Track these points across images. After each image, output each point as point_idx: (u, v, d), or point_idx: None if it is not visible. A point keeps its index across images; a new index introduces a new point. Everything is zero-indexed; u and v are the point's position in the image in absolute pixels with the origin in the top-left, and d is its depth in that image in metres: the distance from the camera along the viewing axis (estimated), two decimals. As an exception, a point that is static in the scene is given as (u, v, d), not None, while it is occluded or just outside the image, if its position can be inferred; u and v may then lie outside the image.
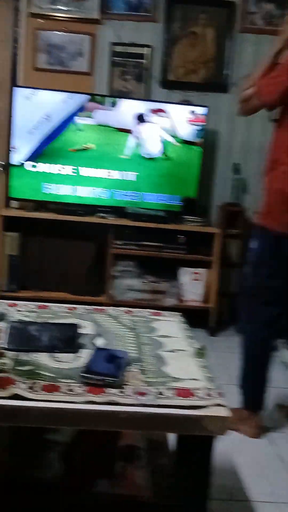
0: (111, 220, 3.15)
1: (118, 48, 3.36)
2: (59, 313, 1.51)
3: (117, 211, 3.24)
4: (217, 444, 1.08)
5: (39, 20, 3.33)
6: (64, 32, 3.34)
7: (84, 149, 3.19)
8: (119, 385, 1.06)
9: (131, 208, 3.26)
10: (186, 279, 3.25)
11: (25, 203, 3.31)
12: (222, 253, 3.23)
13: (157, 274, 3.22)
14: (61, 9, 3.32)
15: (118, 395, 1.03)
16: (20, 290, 3.18)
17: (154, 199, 3.28)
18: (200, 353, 1.29)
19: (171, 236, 3.19)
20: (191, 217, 3.26)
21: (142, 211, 3.24)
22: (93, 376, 1.07)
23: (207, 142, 3.34)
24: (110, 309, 1.61)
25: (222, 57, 3.42)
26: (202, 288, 3.26)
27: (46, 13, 3.31)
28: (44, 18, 3.32)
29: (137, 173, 3.24)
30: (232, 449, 1.91)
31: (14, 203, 3.35)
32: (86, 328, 1.40)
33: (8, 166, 3.20)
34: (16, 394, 0.99)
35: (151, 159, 3.24)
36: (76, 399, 1.00)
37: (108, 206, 3.25)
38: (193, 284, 3.26)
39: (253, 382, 2.09)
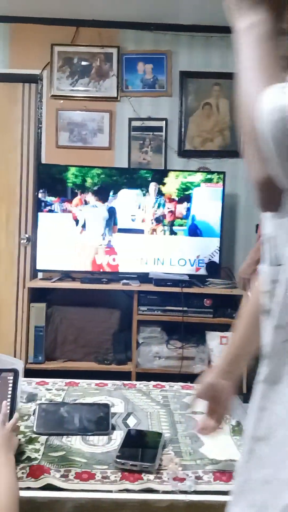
0: (135, 286, 3.15)
1: (136, 123, 3.52)
2: (89, 390, 1.49)
3: (141, 277, 3.26)
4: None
5: (60, 101, 3.53)
6: (84, 110, 3.52)
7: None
8: (155, 470, 1.02)
9: (154, 273, 3.27)
10: (214, 343, 3.19)
11: (50, 274, 3.36)
12: (248, 316, 3.18)
13: (184, 339, 3.17)
14: (81, 90, 3.52)
15: (155, 481, 0.99)
16: (46, 361, 3.16)
17: (178, 264, 3.30)
18: (236, 430, 1.24)
19: (196, 299, 3.17)
20: (216, 280, 3.25)
21: (165, 276, 3.25)
22: (127, 461, 1.03)
23: (227, 205, 3.39)
24: (140, 384, 1.57)
25: (236, 124, 3.54)
26: (230, 352, 3.19)
27: (67, 95, 3.51)
28: (65, 99, 3.52)
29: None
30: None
31: (39, 274, 3.41)
32: (117, 406, 1.37)
33: (33, 239, 3.28)
34: (49, 483, 0.96)
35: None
36: (112, 487, 0.96)
37: (132, 272, 3.28)
38: (221, 348, 3.19)
39: None
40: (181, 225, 3.30)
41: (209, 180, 3.31)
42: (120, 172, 3.31)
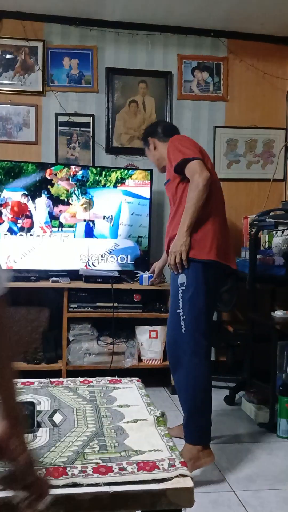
0: (65, 283, 3.13)
1: (63, 118, 3.48)
2: (14, 389, 1.46)
3: (71, 274, 3.24)
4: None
5: (-17, 93, 3.41)
6: (9, 104, 3.43)
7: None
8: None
9: (84, 270, 3.26)
10: (143, 337, 3.24)
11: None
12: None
13: (114, 335, 3.19)
14: (5, 83, 3.42)
15: (79, 475, 1.00)
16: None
17: (107, 260, 3.32)
18: (161, 421, 1.28)
19: (126, 295, 3.19)
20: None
21: (95, 272, 3.25)
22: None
23: (154, 201, 3.44)
24: (68, 381, 1.57)
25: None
26: (160, 345, 3.25)
27: (-10, 87, 3.41)
28: (-12, 92, 3.42)
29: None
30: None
31: None
32: (43, 404, 1.36)
33: None
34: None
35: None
36: (35, 485, 0.96)
37: (61, 269, 3.25)
38: (151, 342, 3.24)
39: (205, 416, 2.18)
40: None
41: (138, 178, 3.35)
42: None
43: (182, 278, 2.20)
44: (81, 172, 3.28)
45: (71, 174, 3.26)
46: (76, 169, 3.28)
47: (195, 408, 2.17)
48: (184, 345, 2.20)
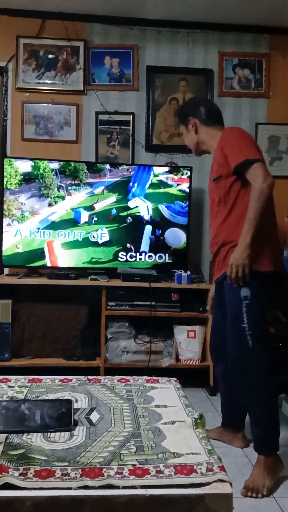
0: (103, 282, 3.14)
1: (103, 117, 3.50)
2: (52, 386, 1.47)
3: (109, 272, 3.25)
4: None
5: (26, 93, 3.46)
6: (51, 103, 3.47)
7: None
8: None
9: (122, 268, 3.26)
10: (181, 337, 3.21)
11: (17, 270, 3.31)
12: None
13: (151, 334, 3.18)
14: (47, 83, 3.47)
15: (115, 477, 0.98)
16: (13, 358, 3.11)
17: (145, 258, 3.31)
18: (199, 423, 1.25)
19: (164, 294, 3.17)
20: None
21: (133, 271, 3.25)
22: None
23: (193, 199, 3.41)
24: (105, 379, 1.57)
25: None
26: (198, 345, 3.21)
27: (33, 87, 3.46)
28: (31, 92, 3.46)
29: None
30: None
31: (5, 270, 3.35)
32: (80, 401, 1.35)
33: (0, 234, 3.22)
34: (6, 483, 0.94)
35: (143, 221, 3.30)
36: (72, 485, 0.95)
37: (100, 268, 3.27)
38: (189, 342, 3.21)
39: (278, 427, 2.13)
40: (147, 221, 3.30)
41: (177, 175, 3.32)
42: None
43: (245, 292, 2.07)
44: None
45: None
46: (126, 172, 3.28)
47: (270, 422, 2.10)
48: (251, 360, 2.09)
